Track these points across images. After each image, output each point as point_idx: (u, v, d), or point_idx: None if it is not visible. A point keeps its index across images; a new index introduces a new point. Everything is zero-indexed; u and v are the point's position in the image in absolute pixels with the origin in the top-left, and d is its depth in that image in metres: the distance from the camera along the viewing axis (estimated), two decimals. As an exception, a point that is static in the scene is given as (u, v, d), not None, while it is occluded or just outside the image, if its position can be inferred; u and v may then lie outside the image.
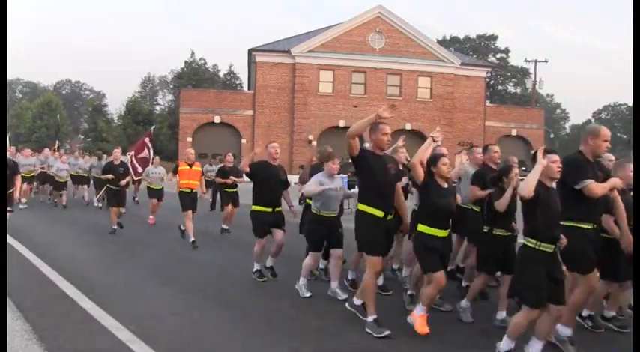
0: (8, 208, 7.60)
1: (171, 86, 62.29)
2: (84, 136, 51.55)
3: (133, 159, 12.74)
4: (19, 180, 8.34)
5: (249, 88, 39.22)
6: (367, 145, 5.72)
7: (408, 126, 34.48)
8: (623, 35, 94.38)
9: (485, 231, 5.20)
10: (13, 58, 64.07)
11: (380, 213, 4.93)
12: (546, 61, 44.69)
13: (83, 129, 57.97)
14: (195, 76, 51.30)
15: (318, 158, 6.96)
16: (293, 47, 33.67)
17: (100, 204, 15.28)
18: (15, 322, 4.86)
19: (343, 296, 5.90)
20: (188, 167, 9.76)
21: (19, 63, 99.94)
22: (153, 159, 13.33)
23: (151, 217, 12.58)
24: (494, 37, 65.59)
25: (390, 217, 5.06)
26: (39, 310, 5.30)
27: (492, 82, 60.07)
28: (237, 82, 55.55)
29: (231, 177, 10.90)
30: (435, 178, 4.90)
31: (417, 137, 35.42)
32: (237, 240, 9.90)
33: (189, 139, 33.00)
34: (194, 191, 9.74)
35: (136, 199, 17.67)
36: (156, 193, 12.95)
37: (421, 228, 4.87)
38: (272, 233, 6.82)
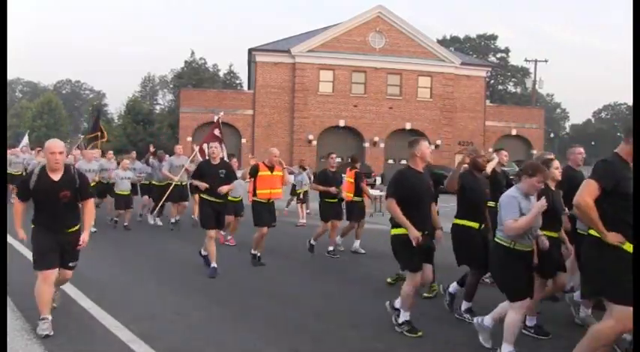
0: (71, 264, 4.91)
1: (171, 86, 62.29)
2: (84, 136, 51.52)
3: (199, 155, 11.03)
4: (90, 207, 4.95)
5: (249, 88, 39.19)
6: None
7: (408, 126, 34.47)
8: (623, 35, 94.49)
9: None
10: (13, 58, 64.23)
11: (630, 246, 3.55)
12: (546, 61, 44.73)
13: (83, 129, 57.98)
14: (195, 76, 51.28)
15: (471, 162, 5.63)
16: (293, 47, 33.65)
17: (159, 222, 12.13)
18: (15, 322, 4.86)
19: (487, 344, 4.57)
20: (269, 172, 7.76)
21: (19, 63, 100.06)
22: (231, 158, 10.38)
23: (229, 237, 9.77)
24: (494, 37, 65.64)
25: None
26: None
27: (492, 81, 60.07)
28: (237, 82, 55.59)
29: (334, 188, 8.80)
30: None
31: (418, 137, 35.37)
32: (238, 240, 9.87)
33: (190, 139, 32.99)
34: (272, 201, 7.90)
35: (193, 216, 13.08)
36: (234, 206, 9.51)
37: None
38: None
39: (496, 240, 4.34)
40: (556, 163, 5.21)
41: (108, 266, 7.70)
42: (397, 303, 5.00)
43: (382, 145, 33.92)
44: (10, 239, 9.02)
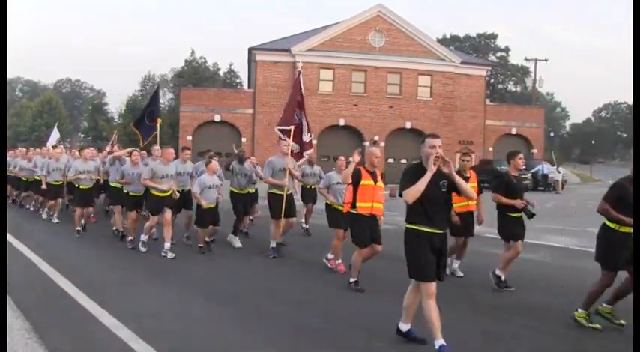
0: None
1: (171, 85, 62.19)
2: (84, 135, 51.51)
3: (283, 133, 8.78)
4: None
5: (249, 87, 39.18)
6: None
7: (408, 125, 34.44)
8: (623, 35, 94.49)
9: None
10: (14, 57, 64.22)
11: None
12: (546, 60, 44.84)
13: (83, 128, 57.95)
14: (195, 75, 51.22)
15: None
16: (293, 46, 33.62)
17: (238, 242, 9.20)
18: (15, 320, 4.86)
19: None
20: (372, 181, 6.33)
21: (20, 62, 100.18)
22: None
23: (339, 261, 7.46)
24: (494, 36, 65.56)
25: None
26: (39, 308, 5.32)
27: (492, 80, 60.05)
28: (238, 81, 55.57)
29: (523, 200, 6.49)
30: None
31: (418, 136, 35.43)
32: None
33: (190, 138, 33.00)
34: (375, 216, 6.44)
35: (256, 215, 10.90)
36: (342, 217, 7.17)
37: None
38: None
39: None
40: None
41: (108, 266, 7.70)
42: None
43: (382, 144, 33.88)
44: (10, 238, 9.05)
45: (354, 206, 6.35)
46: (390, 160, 34.37)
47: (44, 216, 12.04)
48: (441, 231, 4.34)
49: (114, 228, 9.88)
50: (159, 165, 8.39)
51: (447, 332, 4.44)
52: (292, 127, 8.71)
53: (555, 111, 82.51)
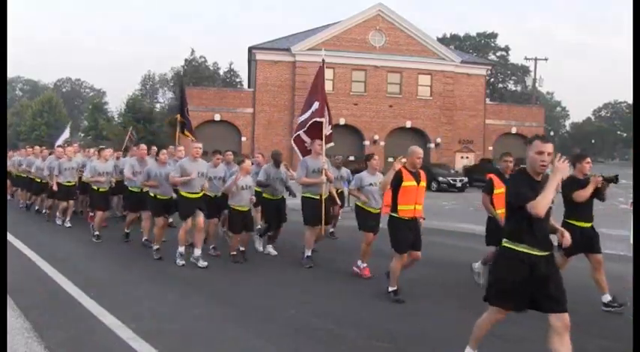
0: None
1: (171, 84, 62.26)
2: (84, 134, 51.49)
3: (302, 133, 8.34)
4: None
5: (249, 86, 39.19)
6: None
7: (408, 124, 34.46)
8: (623, 34, 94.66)
9: None
10: (14, 56, 64.23)
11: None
12: (546, 59, 44.86)
13: (83, 127, 57.96)
14: (195, 74, 51.28)
15: None
16: (293, 45, 33.62)
17: (272, 249, 8.75)
18: (15, 320, 4.87)
19: None
20: (414, 182, 5.96)
21: (20, 61, 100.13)
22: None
23: (364, 265, 7.20)
24: (494, 35, 65.56)
25: None
26: (39, 308, 5.32)
27: (492, 79, 60.02)
28: (238, 80, 55.62)
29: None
30: None
31: (418, 135, 35.44)
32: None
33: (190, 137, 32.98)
34: (417, 219, 6.07)
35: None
36: (372, 220, 7.15)
37: None
38: None
39: None
40: None
41: (109, 265, 7.70)
42: None
43: (382, 143, 33.90)
44: (11, 238, 9.06)
45: (394, 209, 5.97)
46: (390, 159, 34.42)
47: (58, 222, 11.29)
48: (548, 253, 3.63)
49: (144, 239, 9.11)
50: (187, 162, 7.78)
51: (449, 331, 4.46)
52: (324, 119, 8.23)
53: (555, 110, 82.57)
